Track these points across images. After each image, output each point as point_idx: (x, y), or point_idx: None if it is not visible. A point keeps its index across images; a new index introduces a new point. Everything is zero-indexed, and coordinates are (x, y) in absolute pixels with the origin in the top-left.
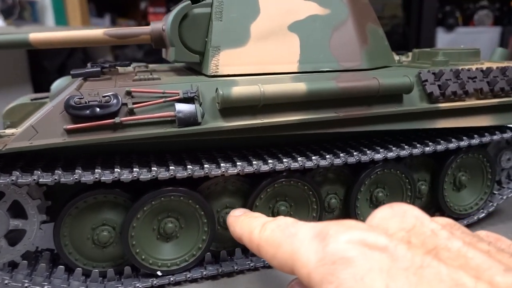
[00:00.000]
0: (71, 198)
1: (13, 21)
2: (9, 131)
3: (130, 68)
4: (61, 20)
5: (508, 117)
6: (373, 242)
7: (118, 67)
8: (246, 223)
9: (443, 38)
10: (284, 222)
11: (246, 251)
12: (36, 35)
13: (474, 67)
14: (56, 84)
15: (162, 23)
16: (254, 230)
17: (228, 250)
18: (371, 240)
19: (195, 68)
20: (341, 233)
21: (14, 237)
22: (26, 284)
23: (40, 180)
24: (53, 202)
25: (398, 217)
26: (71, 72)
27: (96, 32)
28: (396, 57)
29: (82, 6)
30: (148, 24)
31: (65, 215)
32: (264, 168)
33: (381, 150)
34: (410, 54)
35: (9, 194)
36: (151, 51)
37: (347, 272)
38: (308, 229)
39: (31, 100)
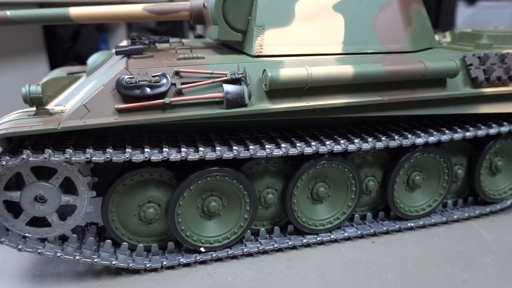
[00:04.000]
0: (118, 176)
1: None
2: (58, 108)
3: (166, 44)
4: None
5: None
6: None
7: (156, 44)
8: None
9: (463, 12)
10: None
11: (284, 230)
12: (76, 9)
13: None
14: (93, 59)
15: (203, 0)
16: None
17: (267, 228)
18: None
19: (233, 46)
20: None
21: (63, 211)
22: (77, 257)
23: (93, 158)
24: (99, 178)
25: None
26: (115, 50)
27: (136, 7)
28: (436, 37)
29: None
30: None
31: (113, 192)
32: (308, 150)
33: (422, 135)
34: (446, 34)
35: (61, 171)
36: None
37: None
38: None
39: (67, 74)
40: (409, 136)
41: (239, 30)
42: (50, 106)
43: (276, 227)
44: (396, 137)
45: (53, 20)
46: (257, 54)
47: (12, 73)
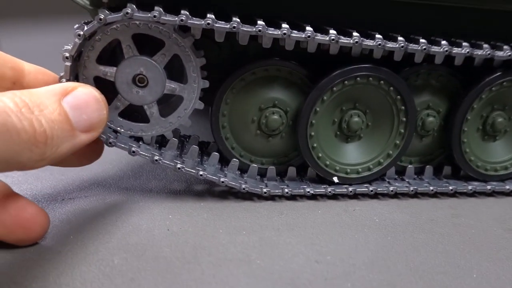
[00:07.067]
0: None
1: None
2: None
3: None
4: None
5: None
6: None
7: None
8: None
9: None
10: None
11: (439, 171)
12: None
13: None
14: None
15: None
16: None
17: (416, 167)
18: None
19: None
20: None
21: (164, 107)
22: (178, 165)
23: (216, 25)
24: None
25: None
26: None
27: None
28: None
29: None
30: None
31: (228, 89)
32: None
33: None
34: None
35: (169, 46)
36: None
37: None
38: None
39: None
40: None
41: None
42: None
43: (428, 166)
44: None
45: None
46: None
47: None
